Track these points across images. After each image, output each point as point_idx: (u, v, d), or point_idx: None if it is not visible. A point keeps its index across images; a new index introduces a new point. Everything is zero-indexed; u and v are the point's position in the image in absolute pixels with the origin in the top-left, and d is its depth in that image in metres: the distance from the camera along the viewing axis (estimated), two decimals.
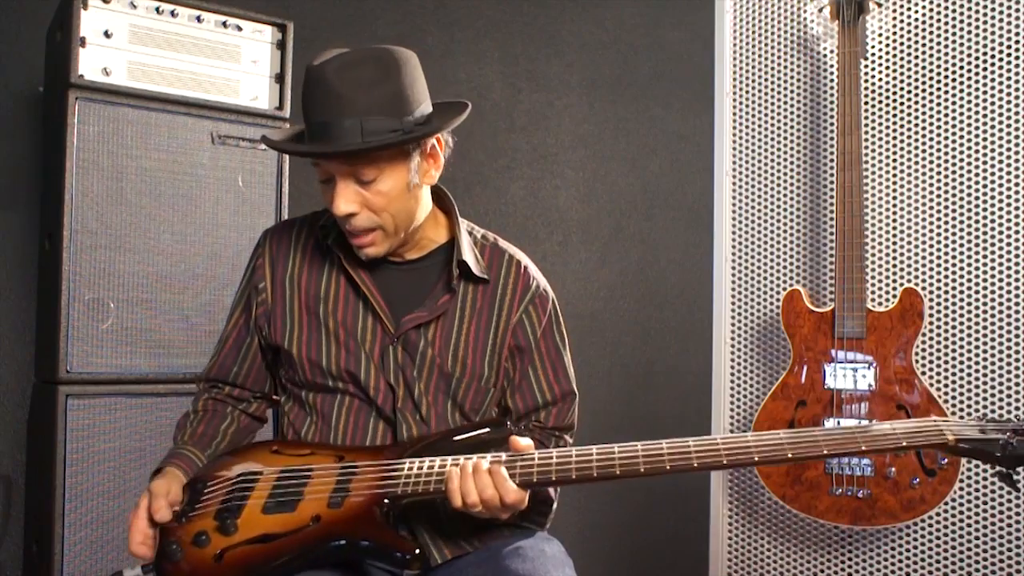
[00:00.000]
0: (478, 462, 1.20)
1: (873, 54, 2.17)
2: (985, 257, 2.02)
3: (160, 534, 1.24)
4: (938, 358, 2.05)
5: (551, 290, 1.47)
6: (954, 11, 2.07)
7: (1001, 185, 2.01)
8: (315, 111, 1.27)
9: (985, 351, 2.00)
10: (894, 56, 2.15)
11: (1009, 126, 2.00)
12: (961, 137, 2.05)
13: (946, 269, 2.06)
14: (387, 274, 1.40)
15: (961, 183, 2.06)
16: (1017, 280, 1.99)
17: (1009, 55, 2.01)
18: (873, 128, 2.16)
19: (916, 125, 2.12)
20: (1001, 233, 2.00)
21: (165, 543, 1.22)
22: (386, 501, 1.22)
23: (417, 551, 1.17)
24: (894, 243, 2.12)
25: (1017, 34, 2.01)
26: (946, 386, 2.04)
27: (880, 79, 2.16)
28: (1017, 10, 2.01)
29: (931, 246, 2.08)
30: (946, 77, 2.08)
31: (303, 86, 1.29)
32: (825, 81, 2.23)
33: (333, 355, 1.37)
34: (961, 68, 2.07)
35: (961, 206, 2.05)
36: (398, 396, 1.36)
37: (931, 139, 2.09)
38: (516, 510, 1.21)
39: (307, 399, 1.41)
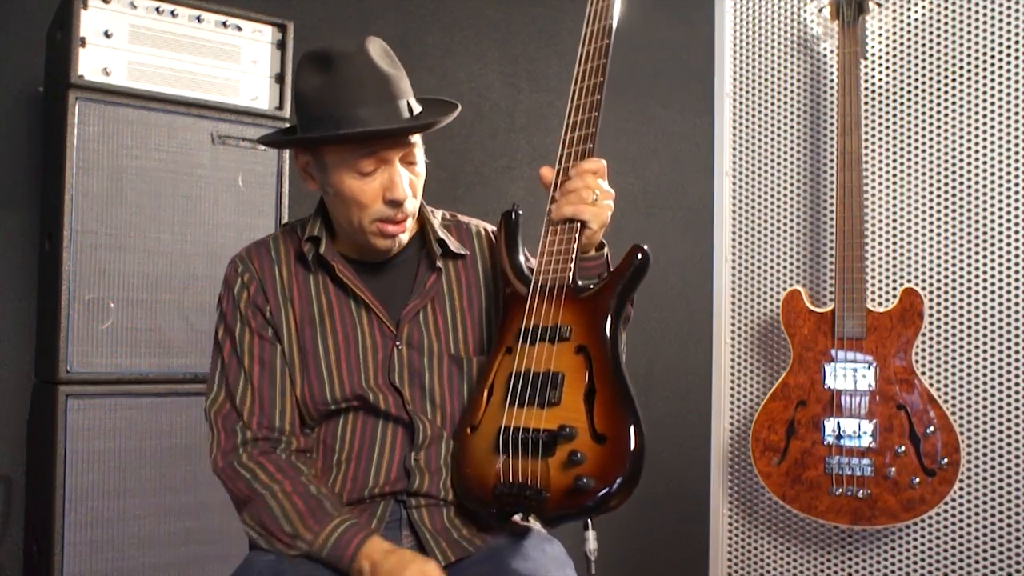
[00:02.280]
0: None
1: (873, 54, 2.17)
2: (985, 257, 2.02)
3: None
4: (938, 358, 2.05)
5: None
6: (954, 11, 2.07)
7: (1001, 185, 2.01)
8: (368, 95, 1.25)
9: (985, 351, 2.01)
10: (894, 56, 2.15)
11: (1009, 126, 2.00)
12: (961, 137, 2.05)
13: (946, 269, 2.06)
14: (372, 277, 1.39)
15: (961, 183, 2.06)
16: (1017, 280, 1.99)
17: (1009, 55, 2.01)
18: (873, 128, 2.16)
19: (916, 125, 2.12)
20: (1001, 233, 2.00)
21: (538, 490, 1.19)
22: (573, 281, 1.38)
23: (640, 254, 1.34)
24: (894, 243, 2.12)
25: (1017, 34, 2.01)
26: (946, 386, 2.04)
27: (880, 79, 2.16)
28: (1017, 10, 2.01)
29: (931, 246, 2.08)
30: (946, 77, 2.08)
31: (336, 74, 1.25)
32: (825, 81, 2.23)
33: (336, 382, 1.34)
34: (961, 68, 2.07)
35: (961, 206, 2.05)
36: (406, 397, 1.34)
37: (931, 139, 2.09)
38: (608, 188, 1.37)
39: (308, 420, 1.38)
